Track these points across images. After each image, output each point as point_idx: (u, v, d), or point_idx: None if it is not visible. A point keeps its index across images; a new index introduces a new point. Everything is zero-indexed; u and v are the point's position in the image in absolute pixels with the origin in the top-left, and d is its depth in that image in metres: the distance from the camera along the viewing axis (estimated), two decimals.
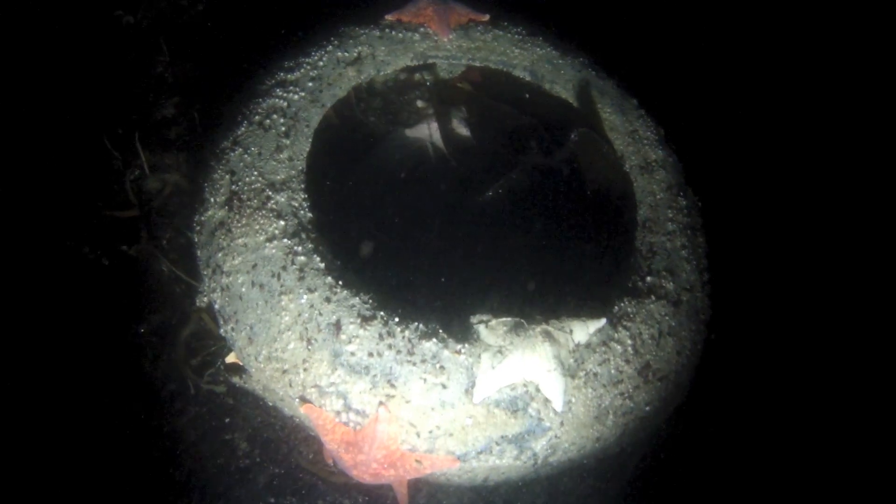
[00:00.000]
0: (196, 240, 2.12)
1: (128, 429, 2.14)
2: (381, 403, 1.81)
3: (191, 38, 2.95)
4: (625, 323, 1.99)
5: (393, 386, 1.80)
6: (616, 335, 1.96)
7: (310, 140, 2.19)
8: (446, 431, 1.83)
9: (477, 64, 2.56)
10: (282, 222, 1.98)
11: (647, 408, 2.01)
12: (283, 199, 2.03)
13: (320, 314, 1.85)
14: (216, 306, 2.03)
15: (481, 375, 1.79)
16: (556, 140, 2.63)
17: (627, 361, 1.96)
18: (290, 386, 1.88)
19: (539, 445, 1.89)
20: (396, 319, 1.85)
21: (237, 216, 2.01)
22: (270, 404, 2.10)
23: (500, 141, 2.67)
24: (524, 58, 2.58)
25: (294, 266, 1.91)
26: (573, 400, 1.88)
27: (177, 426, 2.18)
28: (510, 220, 2.46)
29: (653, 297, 2.07)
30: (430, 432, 1.82)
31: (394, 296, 1.93)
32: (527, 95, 2.67)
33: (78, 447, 2.09)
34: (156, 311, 2.35)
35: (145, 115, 2.71)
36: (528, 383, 1.83)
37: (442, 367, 1.81)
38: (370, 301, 1.87)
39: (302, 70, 2.33)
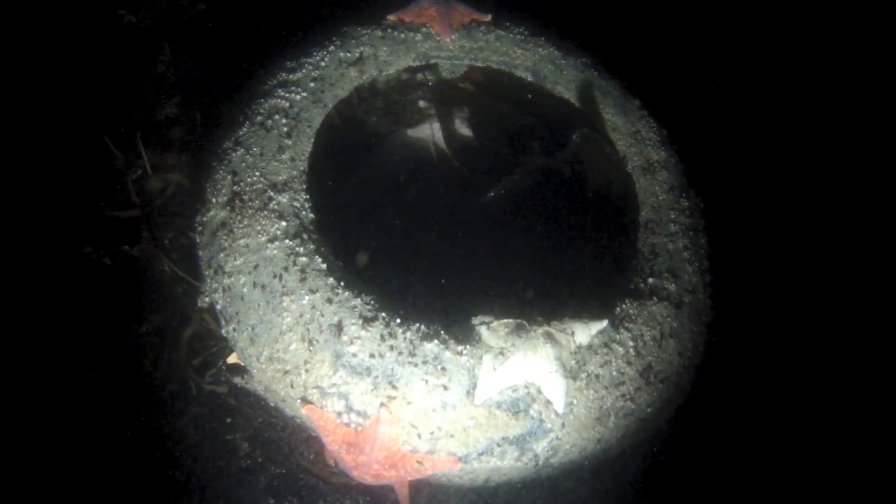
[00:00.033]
0: (198, 240, 2.12)
1: (129, 429, 2.14)
2: (382, 404, 1.81)
3: (192, 37, 2.95)
4: (626, 324, 1.98)
5: (394, 387, 1.80)
6: (618, 337, 1.96)
7: (312, 140, 2.19)
8: (448, 433, 1.83)
9: (479, 64, 2.56)
10: (283, 223, 1.98)
11: (649, 409, 2.01)
12: (284, 200, 2.02)
13: (322, 315, 1.85)
14: (218, 307, 2.03)
15: (483, 377, 1.79)
16: (558, 141, 2.63)
17: (629, 363, 1.95)
18: (292, 387, 1.88)
19: (540, 447, 1.89)
20: (398, 321, 1.85)
21: (239, 217, 2.01)
22: (272, 405, 2.10)
23: (502, 141, 2.67)
24: (526, 58, 2.58)
25: (296, 267, 1.91)
26: (574, 401, 1.88)
27: (178, 426, 2.18)
28: (512, 221, 2.46)
29: (654, 299, 2.07)
30: (432, 433, 1.82)
31: (395, 297, 1.93)
32: (529, 96, 2.67)
33: (79, 447, 2.09)
34: (157, 311, 2.35)
35: (147, 115, 2.71)
36: (529, 385, 1.83)
37: (443, 369, 1.81)
38: (372, 302, 1.87)
39: (304, 70, 2.32)
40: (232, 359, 2.12)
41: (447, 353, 1.81)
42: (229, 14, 3.05)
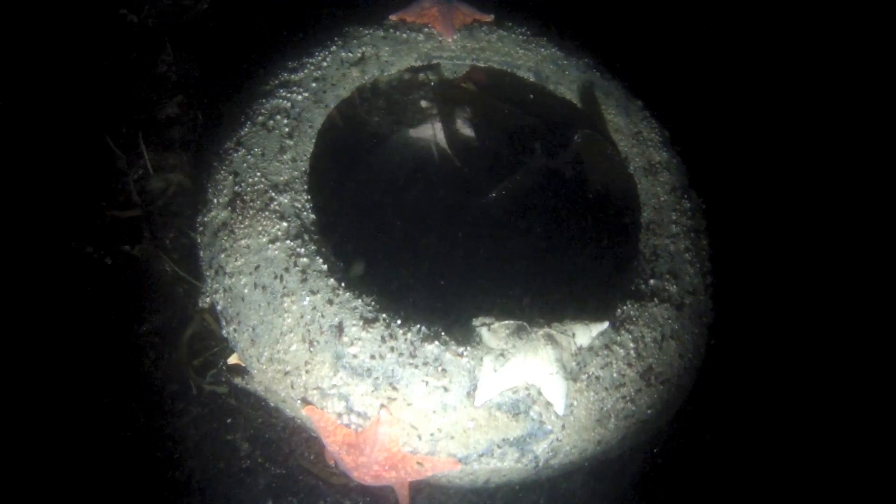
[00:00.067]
0: (199, 240, 2.12)
1: (129, 429, 2.14)
2: (382, 406, 1.80)
3: (195, 37, 2.95)
4: (627, 326, 1.98)
5: (395, 388, 1.80)
6: (618, 338, 1.96)
7: (313, 141, 2.19)
8: (448, 434, 1.83)
9: (481, 64, 2.56)
10: (284, 224, 1.98)
11: (649, 411, 2.01)
12: (286, 201, 2.02)
13: (322, 316, 1.85)
14: (218, 307, 2.03)
15: (483, 378, 1.79)
16: (559, 141, 2.62)
17: (630, 365, 1.95)
18: (292, 388, 1.88)
19: (540, 448, 1.89)
20: (399, 322, 1.85)
21: (240, 217, 2.01)
22: (272, 405, 2.10)
23: (504, 142, 2.66)
24: (528, 58, 2.57)
25: (297, 268, 1.91)
26: (575, 403, 1.88)
27: (179, 426, 2.18)
28: (513, 221, 2.46)
29: (656, 301, 2.06)
30: (432, 435, 1.82)
31: (396, 298, 1.93)
32: (531, 96, 2.66)
33: (79, 447, 2.09)
34: (158, 311, 2.35)
35: (149, 115, 2.71)
36: (529, 386, 1.83)
37: (444, 370, 1.80)
38: (372, 303, 1.87)
39: (305, 70, 2.32)
40: (232, 359, 2.12)
41: (448, 355, 1.81)
42: (231, 14, 3.05)
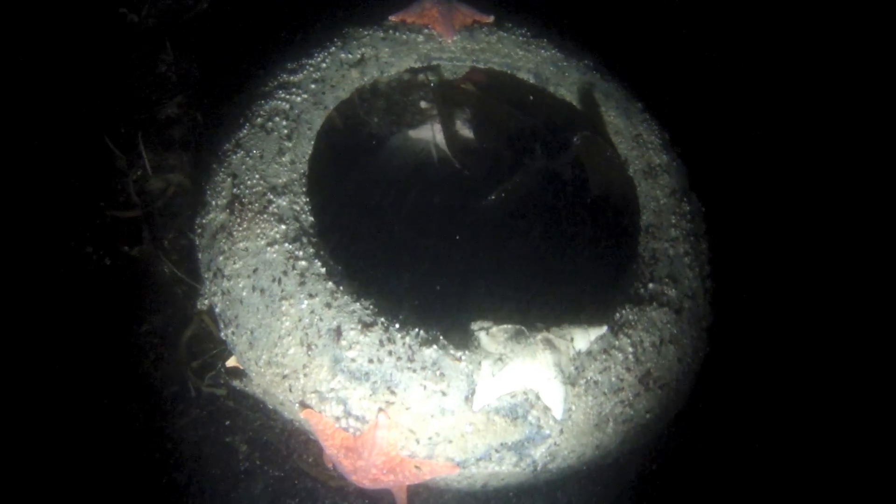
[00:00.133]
0: (197, 242, 2.12)
1: (128, 430, 2.15)
2: (380, 410, 1.80)
3: (195, 37, 2.94)
4: (626, 330, 1.98)
5: (393, 392, 1.80)
6: (617, 343, 1.95)
7: (312, 143, 2.18)
8: (446, 438, 1.83)
9: (481, 66, 2.55)
10: (283, 226, 1.98)
11: (648, 415, 2.01)
12: (284, 203, 2.02)
13: (321, 320, 1.85)
14: (217, 310, 2.03)
15: (481, 383, 1.79)
16: (559, 143, 2.61)
17: (628, 369, 1.95)
18: (291, 391, 1.88)
19: (538, 453, 1.89)
20: (397, 326, 1.84)
21: (238, 220, 2.01)
22: (271, 408, 2.10)
23: (504, 143, 2.66)
24: (528, 60, 2.56)
25: (295, 271, 1.91)
26: (573, 408, 1.88)
27: (177, 428, 2.19)
28: (512, 224, 2.45)
29: (654, 305, 2.06)
30: (430, 439, 1.82)
31: (394, 301, 1.92)
32: (531, 97, 2.65)
33: (79, 448, 2.09)
34: (157, 312, 2.35)
35: (148, 115, 2.70)
36: (528, 391, 1.83)
37: (442, 374, 1.80)
38: (371, 307, 1.87)
39: (304, 72, 2.31)
40: (231, 362, 2.13)
41: (446, 359, 1.81)
42: (231, 14, 3.04)
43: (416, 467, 1.85)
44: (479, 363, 1.80)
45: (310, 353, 1.84)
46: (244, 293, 1.94)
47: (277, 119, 2.19)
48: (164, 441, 2.15)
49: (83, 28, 2.86)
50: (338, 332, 1.83)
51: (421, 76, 2.79)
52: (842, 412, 2.47)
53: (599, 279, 2.25)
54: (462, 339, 1.84)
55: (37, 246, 2.37)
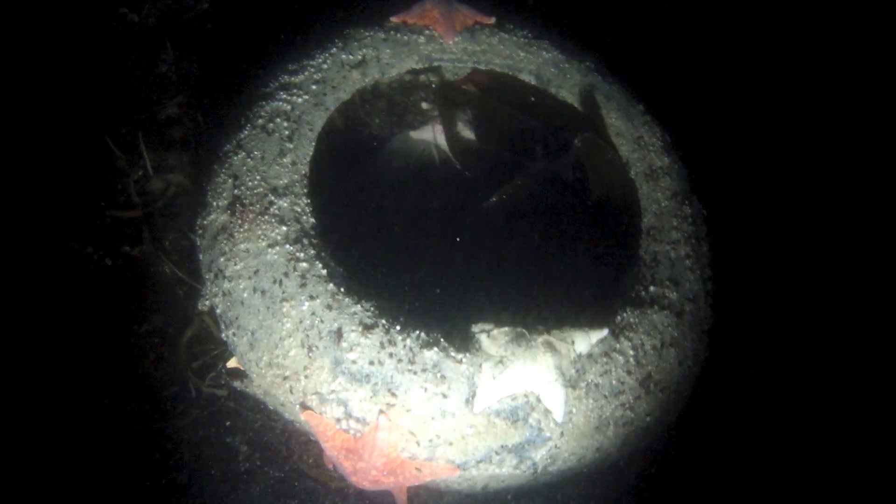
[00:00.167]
0: (198, 243, 2.12)
1: (128, 430, 2.15)
2: (381, 412, 1.81)
3: (195, 37, 2.93)
4: (627, 333, 1.98)
5: (394, 394, 1.80)
6: (618, 346, 1.95)
7: (313, 144, 2.18)
8: (446, 440, 1.83)
9: (482, 67, 2.55)
10: (284, 228, 1.98)
11: (648, 418, 2.01)
12: (285, 205, 2.02)
13: (322, 321, 1.85)
14: (218, 311, 2.03)
15: (482, 385, 1.79)
16: (561, 145, 2.61)
17: (629, 372, 1.95)
18: (291, 392, 1.88)
19: (539, 455, 1.89)
20: (398, 328, 1.84)
21: (239, 221, 2.01)
22: (271, 409, 2.10)
23: (505, 145, 2.65)
24: (530, 61, 2.56)
25: (296, 272, 1.91)
26: (574, 410, 1.88)
27: (178, 428, 2.18)
28: (513, 226, 2.45)
29: (656, 308, 2.06)
30: (430, 441, 1.82)
31: (395, 303, 1.93)
32: (532, 99, 2.65)
33: (79, 448, 2.09)
34: (158, 312, 2.35)
35: (149, 115, 2.70)
36: (528, 393, 1.83)
37: (443, 377, 1.80)
38: (372, 309, 1.87)
39: (306, 73, 2.31)
40: (231, 363, 2.13)
41: (447, 361, 1.81)
42: (232, 14, 3.03)
43: (417, 469, 1.85)
44: (480, 365, 1.80)
45: (311, 354, 1.84)
46: (245, 294, 1.94)
47: (278, 120, 2.18)
48: (164, 441, 2.15)
49: (83, 28, 2.85)
50: (339, 334, 1.83)
51: (422, 77, 2.78)
52: (843, 416, 2.47)
53: (600, 281, 2.25)
54: (463, 341, 1.84)
55: (37, 246, 2.37)
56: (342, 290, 1.89)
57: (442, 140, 2.66)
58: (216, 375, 2.23)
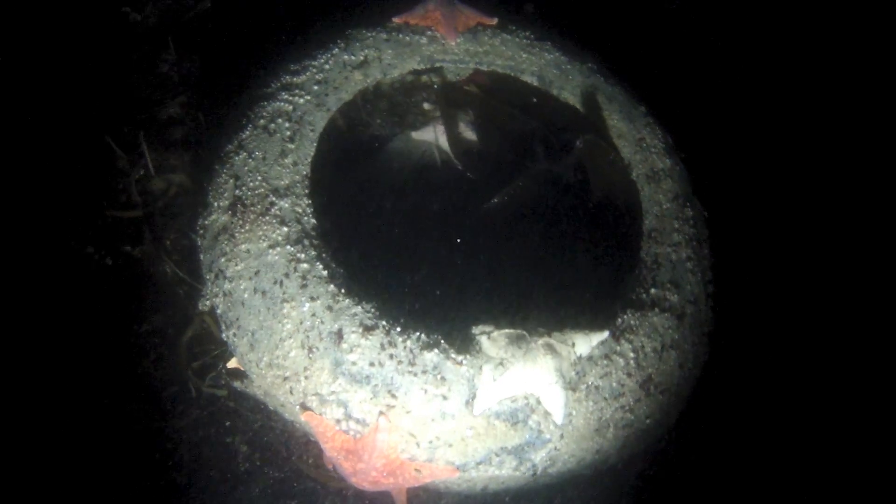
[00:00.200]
0: (199, 243, 2.12)
1: (128, 431, 2.15)
2: (381, 413, 1.81)
3: (197, 36, 2.93)
4: (627, 336, 1.97)
5: (394, 396, 1.80)
6: (618, 348, 1.95)
7: (314, 145, 2.18)
8: (446, 442, 1.83)
9: (484, 68, 2.54)
10: (285, 229, 1.97)
11: (648, 420, 2.01)
12: (286, 205, 2.02)
13: (322, 323, 1.85)
14: (218, 311, 2.03)
15: (482, 387, 1.79)
16: (562, 146, 2.61)
17: (629, 375, 1.95)
18: (291, 393, 1.88)
19: (538, 457, 1.89)
20: (398, 329, 1.84)
21: (240, 221, 2.01)
22: (271, 409, 2.11)
23: (507, 145, 2.65)
24: (532, 62, 2.56)
25: (296, 273, 1.91)
26: (574, 412, 1.88)
27: (178, 428, 2.19)
28: (514, 227, 2.45)
29: (656, 310, 2.06)
30: (430, 442, 1.82)
31: (395, 304, 1.92)
32: (534, 100, 2.65)
33: (78, 448, 2.10)
34: (158, 312, 2.35)
35: (150, 115, 2.70)
36: (528, 395, 1.83)
37: (443, 378, 1.80)
38: (372, 310, 1.87)
39: (307, 73, 2.31)
40: (232, 363, 2.13)
41: (447, 363, 1.81)
42: (234, 14, 3.03)
43: (416, 470, 1.85)
44: (480, 367, 1.80)
45: (311, 355, 1.84)
46: (245, 295, 1.94)
47: (280, 120, 2.18)
48: (163, 441, 2.15)
49: (85, 26, 2.85)
50: (339, 336, 1.83)
51: (424, 78, 2.78)
52: (844, 418, 2.47)
53: (601, 283, 2.25)
54: (463, 343, 1.84)
55: (38, 245, 2.37)
56: (343, 291, 1.89)
57: (443, 141, 2.65)
58: (216, 375, 2.23)
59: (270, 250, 1.95)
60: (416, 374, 1.80)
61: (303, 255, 1.93)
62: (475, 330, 1.84)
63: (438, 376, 1.80)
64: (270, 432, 2.20)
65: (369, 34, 2.44)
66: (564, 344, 1.83)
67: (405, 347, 1.82)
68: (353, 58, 2.38)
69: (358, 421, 1.82)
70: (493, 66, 2.53)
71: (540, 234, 2.45)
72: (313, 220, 2.02)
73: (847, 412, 2.49)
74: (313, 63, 2.34)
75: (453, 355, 1.81)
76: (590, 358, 1.89)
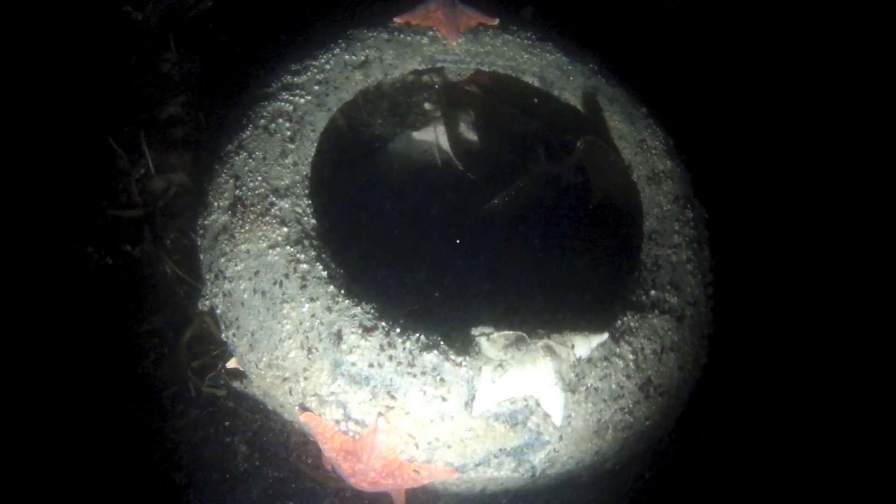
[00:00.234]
0: (199, 243, 2.12)
1: (128, 430, 2.15)
2: (380, 414, 1.81)
3: (198, 36, 2.93)
4: (627, 338, 1.97)
5: (393, 397, 1.80)
6: (618, 350, 1.95)
7: (315, 145, 2.17)
8: (445, 443, 1.83)
9: (485, 69, 2.54)
10: (285, 229, 1.97)
11: (647, 422, 2.01)
12: (286, 206, 2.02)
13: (322, 323, 1.85)
14: (218, 311, 2.03)
15: (481, 388, 1.79)
16: (563, 147, 2.61)
17: (629, 377, 1.95)
18: (290, 394, 1.88)
19: (537, 458, 1.89)
20: (398, 330, 1.84)
21: (240, 222, 2.00)
22: (270, 409, 2.11)
23: (508, 146, 2.65)
24: (533, 63, 2.55)
25: (296, 274, 1.91)
26: (573, 414, 1.88)
27: (177, 428, 2.19)
28: (514, 229, 2.45)
29: (656, 312, 2.05)
30: (429, 444, 1.82)
31: (395, 305, 1.92)
32: (535, 101, 2.65)
33: (78, 448, 2.10)
34: (158, 312, 2.35)
35: (151, 114, 2.70)
36: (528, 397, 1.82)
37: (442, 380, 1.80)
38: (372, 311, 1.87)
39: (308, 73, 2.31)
40: (231, 363, 2.13)
41: (446, 364, 1.81)
42: (235, 13, 3.03)
43: (415, 471, 1.85)
44: (480, 369, 1.80)
45: (310, 356, 1.84)
46: (245, 295, 1.94)
47: (280, 120, 2.18)
48: (163, 441, 2.15)
49: (86, 25, 2.85)
50: (338, 336, 1.83)
51: (425, 78, 2.78)
52: (844, 421, 2.47)
53: (601, 285, 2.25)
54: (463, 344, 1.84)
55: (38, 244, 2.38)
56: (342, 292, 1.89)
57: (444, 141, 2.65)
58: (216, 375, 2.23)
59: (270, 251, 1.95)
60: (415, 376, 1.80)
61: (302, 256, 1.93)
62: (475, 331, 1.84)
63: (438, 377, 1.80)
64: (269, 432, 2.20)
65: (370, 34, 2.44)
66: (564, 346, 1.83)
67: (404, 348, 1.82)
68: (354, 58, 2.38)
69: (357, 422, 1.82)
70: (495, 66, 2.53)
71: (540, 236, 2.44)
72: (313, 221, 2.02)
73: (847, 413, 2.49)
74: (314, 63, 2.33)
75: (453, 357, 1.81)
76: (589, 360, 1.89)
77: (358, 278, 1.97)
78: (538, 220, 2.47)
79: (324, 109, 2.25)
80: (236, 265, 1.97)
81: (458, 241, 2.38)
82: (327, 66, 2.34)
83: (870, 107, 3.19)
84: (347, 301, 1.87)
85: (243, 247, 1.97)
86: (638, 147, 2.42)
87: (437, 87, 2.77)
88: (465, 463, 1.86)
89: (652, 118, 2.51)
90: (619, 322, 1.99)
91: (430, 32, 2.48)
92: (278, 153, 2.12)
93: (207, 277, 2.07)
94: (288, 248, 1.94)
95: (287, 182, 2.07)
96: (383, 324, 1.84)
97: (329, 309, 1.86)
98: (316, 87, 2.28)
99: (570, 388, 1.86)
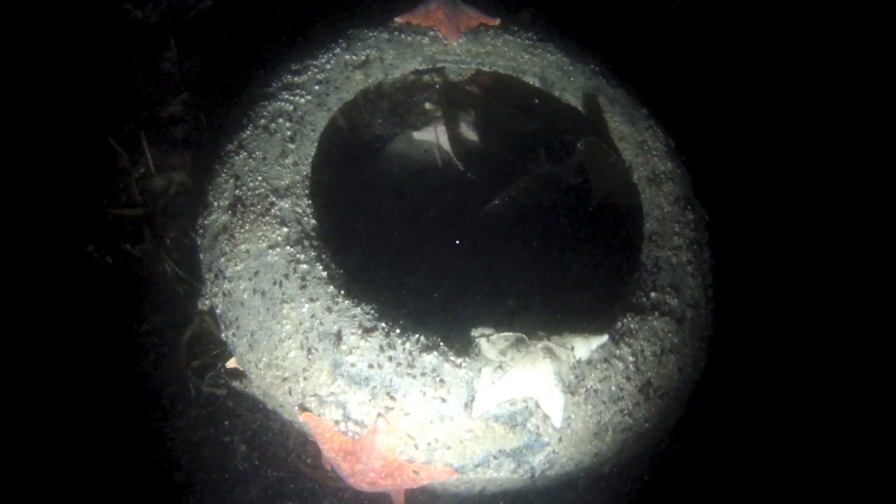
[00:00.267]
0: (199, 243, 2.12)
1: (127, 430, 2.15)
2: (380, 414, 1.80)
3: (198, 35, 2.93)
4: (627, 339, 1.97)
5: (392, 398, 1.80)
6: (618, 352, 1.95)
7: (315, 145, 2.17)
8: (444, 444, 1.82)
9: (486, 69, 2.54)
10: (285, 229, 1.97)
11: (647, 424, 2.00)
12: (286, 206, 2.02)
13: (321, 324, 1.85)
14: (218, 311, 2.03)
15: (481, 390, 1.79)
16: (564, 147, 2.61)
17: (628, 378, 1.94)
18: (290, 394, 1.88)
19: (537, 460, 1.89)
20: (398, 331, 1.84)
21: (240, 222, 2.00)
22: (270, 409, 2.11)
23: (508, 147, 2.65)
24: (534, 63, 2.55)
25: (296, 274, 1.91)
26: (572, 416, 1.88)
27: (177, 427, 2.19)
28: (514, 230, 2.44)
29: (656, 314, 2.05)
30: (429, 444, 1.82)
31: (395, 306, 1.92)
32: (536, 101, 2.64)
33: (78, 447, 2.10)
34: (158, 311, 2.35)
35: (151, 113, 2.70)
36: (527, 399, 1.82)
37: (442, 381, 1.80)
38: (372, 312, 1.86)
39: (308, 73, 2.31)
40: (231, 363, 2.13)
41: (446, 365, 1.81)
42: (235, 13, 3.03)
43: (415, 472, 1.85)
44: (479, 370, 1.80)
45: (310, 356, 1.84)
46: (245, 295, 1.94)
47: (280, 120, 2.18)
48: (162, 441, 2.16)
49: (87, 24, 2.85)
50: (338, 337, 1.83)
51: (426, 78, 2.78)
52: (844, 423, 2.47)
53: (601, 287, 2.24)
54: (462, 345, 1.84)
55: (38, 243, 2.38)
56: (342, 292, 1.89)
57: (444, 141, 2.65)
58: (215, 375, 2.23)
59: (270, 251, 1.94)
60: (414, 377, 1.80)
61: (302, 256, 1.93)
62: (474, 332, 1.84)
63: (437, 378, 1.80)
64: (269, 432, 2.21)
65: (371, 34, 2.44)
66: (564, 347, 1.83)
67: (404, 349, 1.82)
68: (354, 57, 2.38)
69: (356, 422, 1.82)
70: (495, 66, 2.53)
71: (540, 237, 2.44)
72: (313, 221, 2.02)
73: (847, 413, 2.49)
74: (314, 63, 2.33)
75: (452, 358, 1.81)
76: (589, 361, 1.89)
77: (358, 279, 1.97)
78: (538, 221, 2.46)
79: (324, 109, 2.25)
80: (236, 265, 1.97)
81: (457, 242, 2.38)
82: (328, 66, 2.34)
83: (870, 107, 3.19)
84: (347, 301, 1.87)
85: (243, 247, 1.97)
86: (639, 148, 2.42)
87: (437, 87, 2.77)
88: (465, 464, 1.85)
89: (653, 119, 2.51)
90: (619, 324, 1.99)
91: (431, 32, 2.48)
92: (278, 153, 2.12)
93: (207, 277, 2.07)
94: (288, 248, 1.94)
95: (287, 182, 2.06)
96: (383, 324, 1.84)
97: (329, 309, 1.86)
98: (316, 87, 2.28)
99: (570, 389, 1.86)
